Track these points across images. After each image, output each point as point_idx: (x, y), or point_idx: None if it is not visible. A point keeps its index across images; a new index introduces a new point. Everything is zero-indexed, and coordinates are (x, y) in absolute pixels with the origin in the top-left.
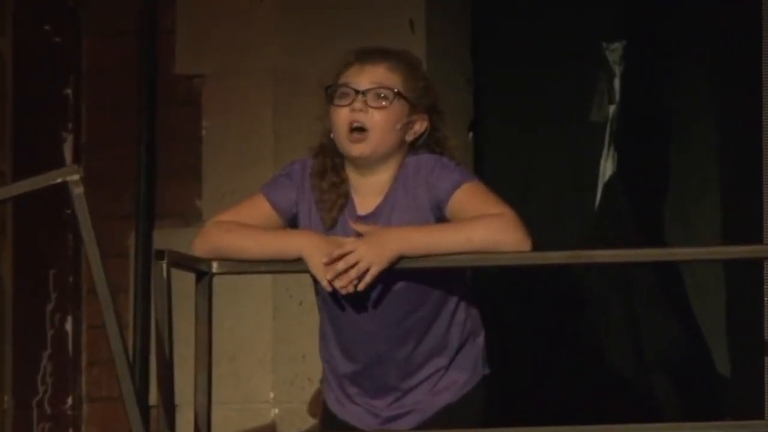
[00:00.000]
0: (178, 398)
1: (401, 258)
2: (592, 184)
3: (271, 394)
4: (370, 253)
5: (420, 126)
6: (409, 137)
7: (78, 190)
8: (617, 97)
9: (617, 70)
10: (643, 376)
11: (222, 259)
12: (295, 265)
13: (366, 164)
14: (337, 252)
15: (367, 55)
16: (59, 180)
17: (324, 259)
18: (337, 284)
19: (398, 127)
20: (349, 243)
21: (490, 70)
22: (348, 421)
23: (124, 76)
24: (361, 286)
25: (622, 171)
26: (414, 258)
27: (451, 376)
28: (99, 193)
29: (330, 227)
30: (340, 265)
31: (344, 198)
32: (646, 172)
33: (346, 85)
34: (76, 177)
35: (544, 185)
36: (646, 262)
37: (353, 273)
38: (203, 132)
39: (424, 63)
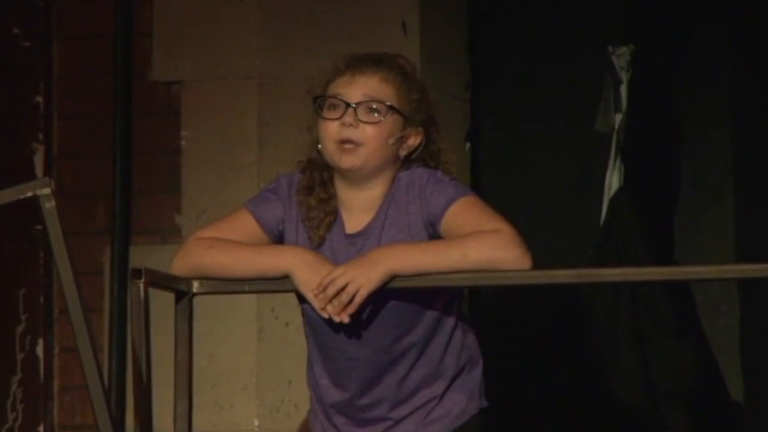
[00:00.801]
0: (157, 426)
1: (393, 277)
2: (598, 197)
3: (256, 422)
4: (360, 275)
5: (414, 140)
6: (403, 152)
7: (50, 205)
8: (624, 104)
9: (624, 76)
10: (653, 403)
11: (203, 278)
12: (281, 284)
13: (356, 178)
14: (326, 280)
15: (358, 64)
16: (29, 194)
17: (314, 291)
18: (329, 311)
19: (391, 142)
20: (337, 270)
21: (488, 76)
22: None
23: (98, 82)
24: (350, 309)
25: (630, 183)
26: (407, 277)
27: (445, 406)
28: (72, 208)
29: (318, 246)
30: (330, 290)
31: (332, 215)
32: (655, 185)
33: (336, 96)
34: (47, 191)
35: (547, 198)
36: (655, 281)
37: (344, 297)
38: (182, 142)
39: (417, 67)
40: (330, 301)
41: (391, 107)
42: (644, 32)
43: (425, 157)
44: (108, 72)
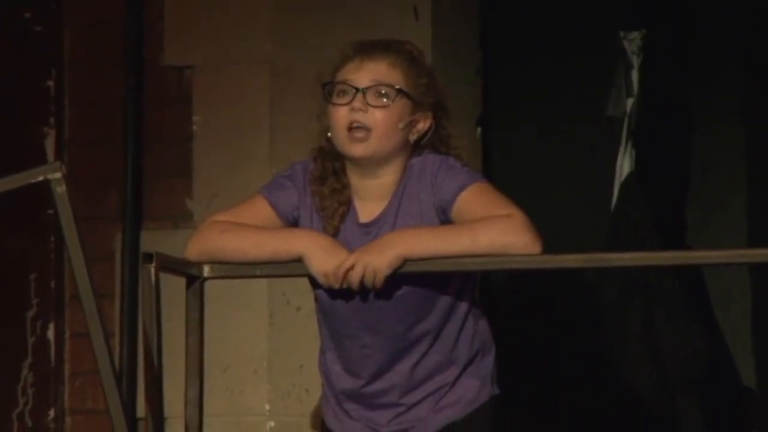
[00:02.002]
0: (168, 411)
1: (405, 261)
2: (609, 182)
3: (267, 407)
4: (374, 260)
5: (423, 124)
6: (413, 136)
7: (60, 189)
8: (636, 89)
9: (636, 61)
10: (664, 389)
11: (216, 262)
12: (293, 268)
13: (367, 166)
14: (341, 270)
15: (366, 50)
16: (41, 178)
17: (330, 279)
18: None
19: (401, 126)
20: (351, 257)
21: (499, 61)
22: None
23: (109, 67)
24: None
25: (641, 169)
26: (419, 262)
27: (457, 392)
28: (83, 193)
29: (332, 236)
30: (353, 280)
31: (346, 205)
32: (667, 170)
33: (344, 82)
34: (58, 175)
35: (557, 184)
36: (667, 265)
37: (357, 284)
38: (194, 127)
39: (428, 53)
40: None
41: (399, 91)
42: (656, 17)
43: (435, 143)
44: (119, 57)
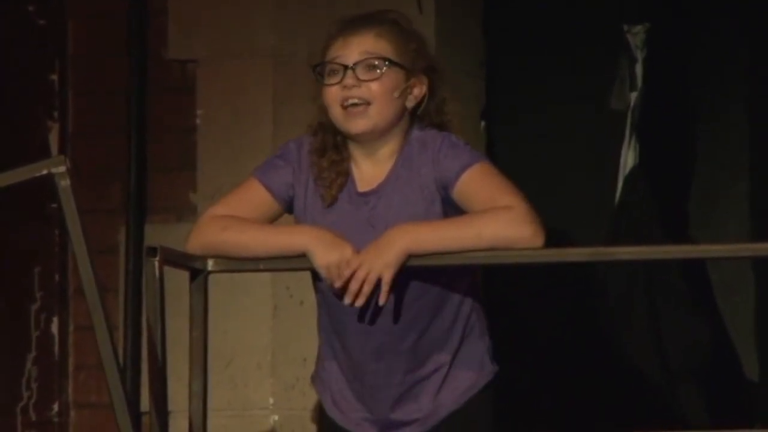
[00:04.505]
0: (172, 405)
1: (409, 257)
2: (613, 175)
3: (271, 400)
4: (378, 260)
5: (419, 90)
6: (410, 103)
7: (64, 183)
8: (639, 83)
9: (640, 54)
10: (667, 381)
11: (218, 257)
12: (296, 262)
13: (368, 140)
14: (346, 272)
15: (350, 26)
16: (44, 171)
17: (337, 284)
18: (356, 303)
19: (396, 95)
20: (355, 259)
21: (503, 53)
22: (346, 428)
23: (113, 60)
24: (382, 299)
25: (644, 162)
26: (423, 256)
27: (455, 375)
28: (87, 186)
29: (329, 205)
30: (353, 285)
31: (344, 176)
32: (670, 164)
33: (333, 61)
34: (62, 168)
35: (561, 177)
36: (671, 259)
37: (366, 288)
38: (197, 120)
39: (432, 44)
40: (355, 294)
41: (389, 60)
42: (659, 10)
43: (431, 110)
44: (123, 50)
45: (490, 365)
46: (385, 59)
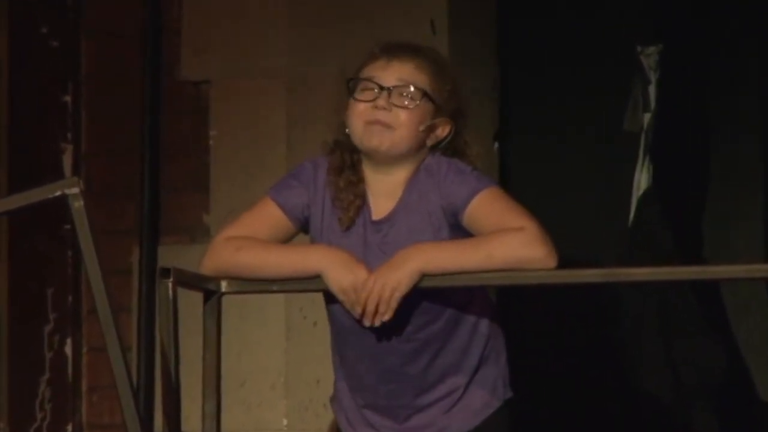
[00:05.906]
0: (185, 426)
1: (422, 277)
2: (626, 197)
3: (285, 421)
4: (391, 278)
5: (442, 131)
6: (430, 141)
7: (78, 204)
8: (653, 104)
9: (653, 76)
10: (680, 402)
11: (232, 278)
12: (309, 283)
13: (382, 160)
14: (363, 295)
15: (394, 50)
16: (58, 193)
17: (358, 310)
18: (375, 323)
19: (422, 128)
20: (369, 280)
21: (516, 75)
22: None
23: (126, 81)
24: (387, 315)
25: (658, 183)
26: (436, 277)
27: (468, 397)
28: (100, 207)
29: (347, 228)
30: (370, 306)
31: (361, 199)
32: (684, 185)
33: (370, 79)
34: (75, 190)
35: (575, 199)
36: (685, 280)
37: (382, 307)
38: (211, 141)
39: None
40: (373, 315)
41: (425, 93)
42: (673, 32)
43: (450, 149)
44: (136, 71)
45: (503, 392)
46: (420, 91)
